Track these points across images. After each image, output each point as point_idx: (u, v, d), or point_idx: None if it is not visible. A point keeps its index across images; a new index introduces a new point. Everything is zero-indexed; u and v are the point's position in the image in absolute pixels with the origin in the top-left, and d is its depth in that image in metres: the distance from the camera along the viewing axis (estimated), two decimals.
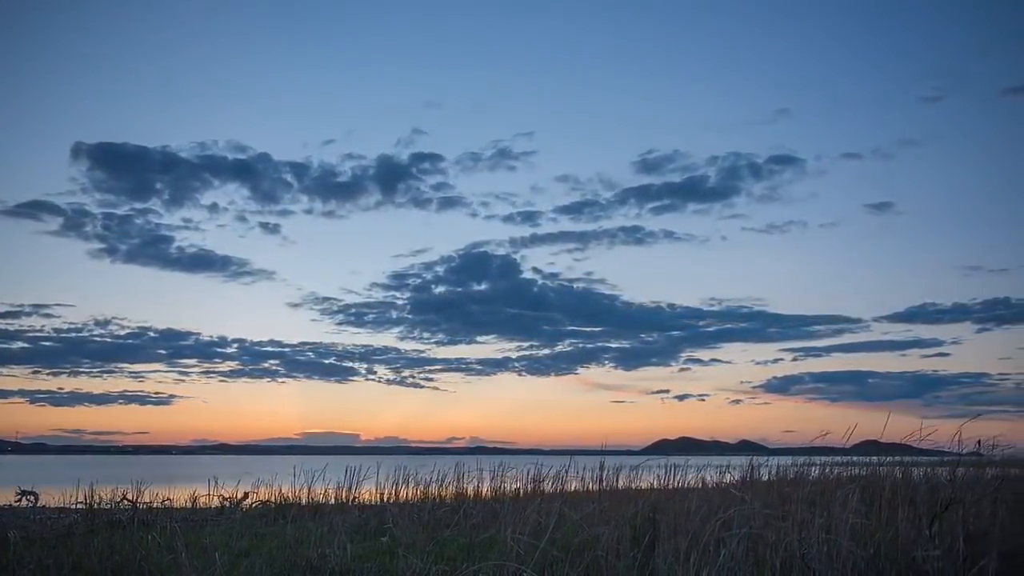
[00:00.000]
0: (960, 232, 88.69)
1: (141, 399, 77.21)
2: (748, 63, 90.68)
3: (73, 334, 74.90)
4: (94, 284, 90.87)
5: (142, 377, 79.89)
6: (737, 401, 78.78)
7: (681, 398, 78.68)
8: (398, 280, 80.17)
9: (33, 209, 73.98)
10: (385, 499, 13.15)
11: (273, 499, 13.38)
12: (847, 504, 6.48)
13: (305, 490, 13.38)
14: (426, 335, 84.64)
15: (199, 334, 77.79)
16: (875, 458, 12.53)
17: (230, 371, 78.72)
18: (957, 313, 73.01)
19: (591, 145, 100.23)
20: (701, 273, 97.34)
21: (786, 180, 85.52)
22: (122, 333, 76.35)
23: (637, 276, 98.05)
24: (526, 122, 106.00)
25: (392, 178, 77.98)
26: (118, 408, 79.03)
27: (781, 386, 76.88)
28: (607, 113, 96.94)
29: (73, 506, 12.54)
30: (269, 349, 79.41)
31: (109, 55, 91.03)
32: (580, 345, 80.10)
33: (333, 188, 77.60)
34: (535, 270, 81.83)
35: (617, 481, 12.02)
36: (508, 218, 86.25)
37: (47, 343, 74.94)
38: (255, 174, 76.64)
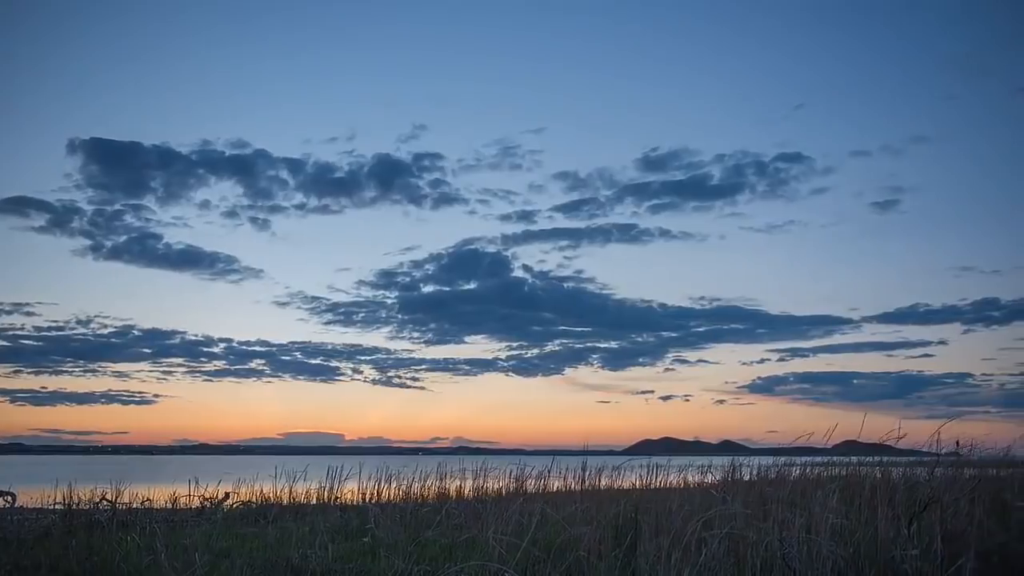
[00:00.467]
0: (961, 231, 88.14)
1: (124, 399, 76.46)
2: (762, 59, 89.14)
3: (55, 332, 74.21)
4: (77, 281, 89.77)
5: (125, 376, 79.19)
6: (721, 401, 78.92)
7: (666, 398, 78.67)
8: (387, 278, 79.42)
9: (19, 205, 72.99)
10: (367, 499, 13.12)
11: (254, 499, 13.31)
12: (827, 504, 6.52)
13: (286, 490, 13.32)
14: (415, 335, 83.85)
15: (184, 333, 77.18)
16: (855, 458, 12.64)
17: (215, 371, 78.13)
18: (948, 313, 73.01)
19: (596, 142, 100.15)
20: (696, 272, 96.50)
21: (792, 178, 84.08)
22: (105, 332, 75.66)
23: (630, 275, 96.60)
24: (531, 119, 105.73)
25: (390, 175, 76.73)
26: (100, 408, 78.43)
27: (765, 386, 77.09)
28: (614, 110, 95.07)
29: (51, 506, 12.42)
30: (256, 348, 78.71)
31: (108, 51, 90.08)
32: (569, 345, 79.65)
33: (329, 185, 76.35)
34: (526, 268, 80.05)
35: (599, 481, 12.06)
36: (505, 216, 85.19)
37: (28, 341, 74.19)
38: (251, 170, 75.39)
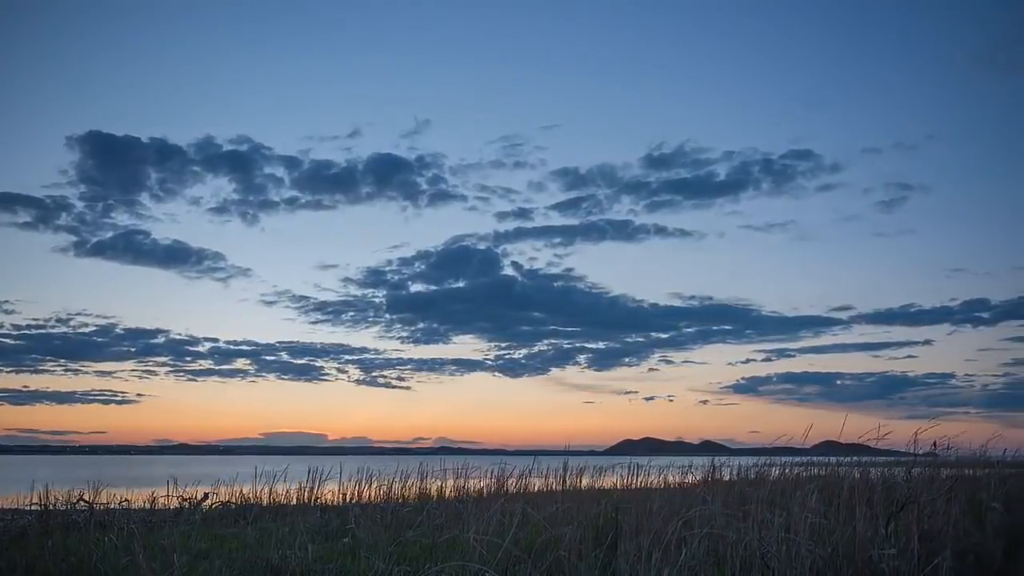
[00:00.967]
0: (961, 232, 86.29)
1: (105, 399, 75.48)
2: (777, 55, 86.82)
3: (35, 331, 73.24)
4: (59, 279, 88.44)
5: (108, 375, 78.35)
6: (704, 402, 79.00)
7: (649, 399, 78.63)
8: (376, 276, 78.37)
9: (6, 202, 71.61)
10: (348, 500, 13.07)
11: (234, 500, 13.23)
12: (806, 504, 6.57)
13: (266, 491, 13.25)
14: (403, 334, 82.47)
15: (168, 331, 76.34)
16: (834, 459, 12.74)
17: (200, 370, 77.26)
18: (938, 314, 72.61)
19: (603, 140, 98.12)
20: (689, 271, 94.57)
21: (799, 175, 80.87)
22: (87, 330, 74.75)
23: (623, 274, 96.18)
24: (537, 117, 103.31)
25: (388, 172, 74.97)
26: (80, 407, 77.22)
27: (749, 387, 77.06)
28: (622, 107, 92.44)
29: (27, 507, 12.28)
30: (242, 348, 77.76)
31: (111, 49, 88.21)
32: (557, 344, 78.58)
33: (325, 181, 74.60)
34: (517, 267, 77.60)
35: (581, 481, 12.08)
36: (501, 214, 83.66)
37: (7, 340, 73.22)
38: (247, 167, 73.47)
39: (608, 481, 12.51)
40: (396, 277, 77.41)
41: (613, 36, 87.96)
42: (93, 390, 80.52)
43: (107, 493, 12.93)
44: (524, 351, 79.48)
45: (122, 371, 77.36)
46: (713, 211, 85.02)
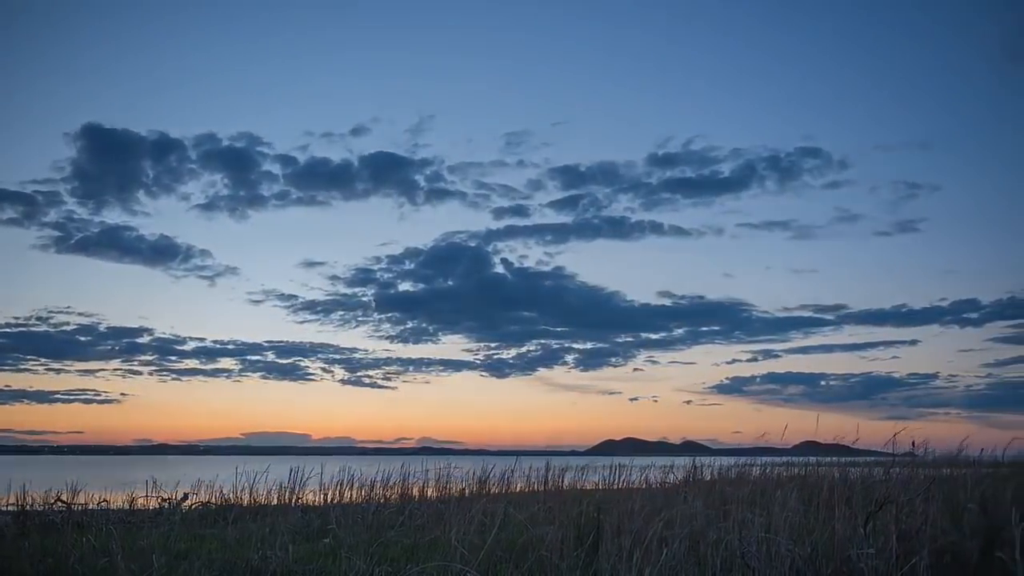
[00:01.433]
0: (963, 232, 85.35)
1: (87, 398, 74.59)
2: (788, 53, 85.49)
3: (16, 329, 72.23)
4: (41, 276, 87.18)
5: (90, 375, 77.59)
6: (688, 402, 79.01)
7: (634, 399, 78.58)
8: (365, 275, 77.38)
9: None
10: (329, 500, 13.02)
11: (214, 500, 13.14)
12: (786, 504, 6.62)
13: (247, 491, 13.17)
14: (391, 334, 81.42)
15: (153, 330, 75.46)
16: (814, 459, 12.83)
17: (184, 369, 76.42)
18: (929, 314, 72.45)
19: (609, 137, 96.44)
20: (683, 270, 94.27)
21: (805, 172, 78.90)
22: (69, 328, 73.83)
23: (616, 272, 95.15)
24: (541, 114, 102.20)
25: (387, 168, 73.98)
26: (61, 407, 76.43)
27: (733, 387, 77.11)
28: (629, 104, 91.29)
29: (4, 508, 12.15)
30: (228, 347, 77.07)
31: (114, 45, 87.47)
32: (546, 344, 77.68)
33: (321, 178, 73.47)
34: (509, 265, 76.38)
35: (562, 481, 12.10)
36: (498, 212, 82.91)
37: None
38: (243, 164, 71.99)
39: (590, 481, 12.53)
40: (386, 276, 76.65)
41: (622, 33, 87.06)
42: (75, 389, 79.64)
43: (85, 494, 12.83)
44: (513, 351, 79.00)
45: (104, 370, 76.62)
46: (713, 209, 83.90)
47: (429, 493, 13.34)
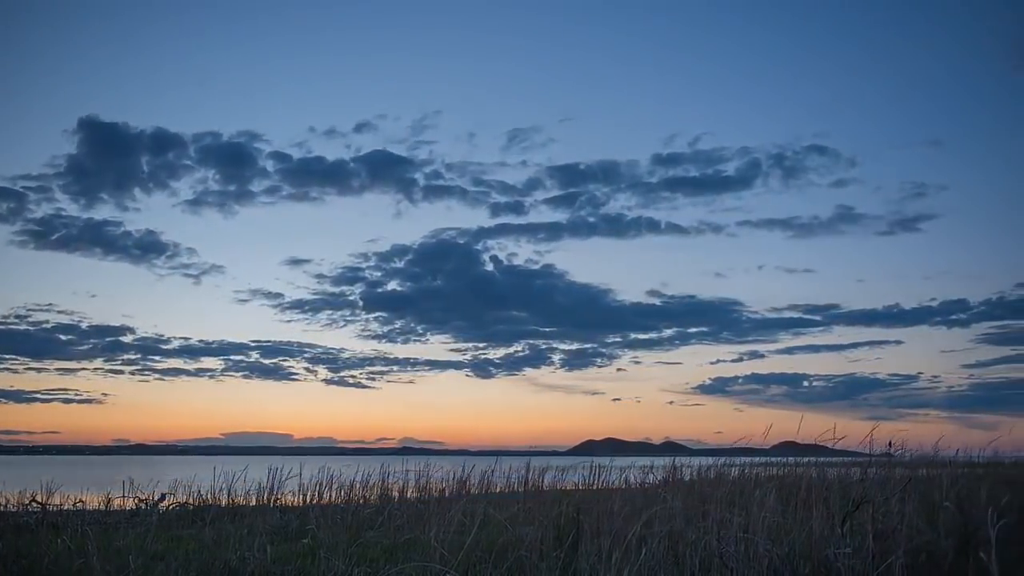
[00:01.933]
0: (967, 232, 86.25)
1: (67, 398, 73.98)
2: (801, 49, 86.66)
3: None
4: (20, 273, 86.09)
5: (71, 374, 76.70)
6: (671, 403, 79.11)
7: (616, 400, 78.59)
8: (353, 273, 77.02)
9: None
10: (308, 501, 12.95)
11: (191, 501, 13.04)
12: (764, 504, 6.65)
13: (225, 491, 13.07)
14: (379, 333, 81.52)
15: (135, 329, 74.88)
16: (792, 459, 12.93)
17: (167, 369, 75.84)
18: (920, 314, 72.79)
19: (616, 135, 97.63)
20: (678, 269, 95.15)
21: (812, 171, 79.73)
22: (49, 327, 72.93)
23: (609, 271, 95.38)
24: (548, 111, 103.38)
25: (385, 166, 75.03)
26: (40, 407, 75.65)
27: (716, 387, 77.51)
28: (637, 102, 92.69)
29: None
30: (212, 346, 76.59)
31: (115, 39, 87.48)
32: (534, 345, 77.73)
33: (316, 175, 74.38)
34: (499, 263, 78.05)
35: (542, 482, 12.10)
36: (494, 209, 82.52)
37: None
38: (241, 161, 73.22)
39: (570, 482, 12.54)
40: (375, 274, 76.27)
41: (631, 30, 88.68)
42: (54, 389, 78.88)
43: (61, 494, 12.69)
44: (502, 351, 79.00)
45: (85, 370, 75.88)
46: (713, 207, 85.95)
47: (409, 493, 13.30)
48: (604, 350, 79.41)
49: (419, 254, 75.17)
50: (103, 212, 74.76)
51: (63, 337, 73.71)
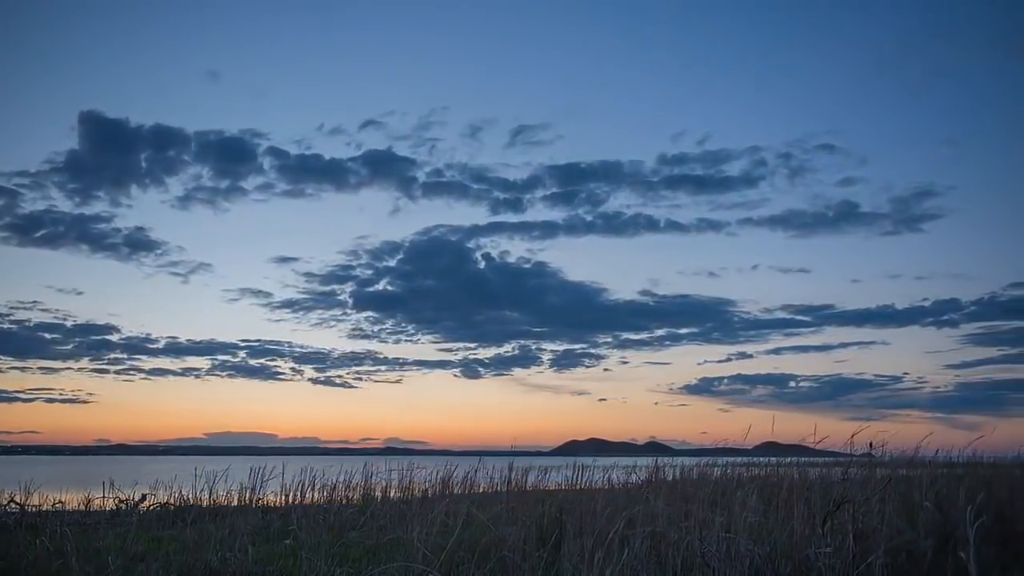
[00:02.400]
0: (970, 232, 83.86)
1: (50, 397, 73.04)
2: (814, 47, 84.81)
3: None
4: (5, 271, 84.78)
5: (54, 373, 75.71)
6: (657, 403, 78.96)
7: (602, 400, 78.40)
8: (344, 271, 75.92)
9: None
10: (290, 501, 12.89)
11: (172, 501, 12.95)
12: (746, 504, 6.68)
13: (207, 492, 12.99)
14: (369, 333, 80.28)
15: (120, 329, 74.04)
16: (774, 459, 13.00)
17: (153, 369, 75.07)
18: (913, 315, 72.04)
19: (622, 133, 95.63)
20: (673, 268, 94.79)
21: (819, 170, 78.26)
22: (32, 325, 72.01)
23: (603, 269, 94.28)
24: (552, 109, 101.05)
25: (384, 164, 73.95)
26: (21, 406, 74.77)
27: (703, 388, 77.20)
28: (644, 100, 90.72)
29: None
30: (199, 346, 75.88)
31: (116, 37, 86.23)
32: (524, 344, 76.64)
33: (313, 172, 73.42)
34: (492, 261, 76.81)
35: (526, 482, 12.10)
36: (493, 207, 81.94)
37: None
38: (239, 159, 72.07)
39: (553, 482, 12.55)
40: (366, 272, 75.29)
41: (640, 28, 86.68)
42: (38, 388, 77.89)
43: (39, 494, 12.57)
44: (492, 351, 78.35)
45: (70, 369, 75.01)
46: (714, 206, 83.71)
47: (392, 493, 13.27)
48: (593, 350, 78.76)
49: (410, 252, 74.54)
50: (96, 208, 73.96)
51: (47, 336, 72.75)
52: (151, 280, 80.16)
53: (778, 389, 74.20)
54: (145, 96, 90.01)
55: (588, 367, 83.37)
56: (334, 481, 13.26)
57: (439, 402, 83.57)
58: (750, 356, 76.97)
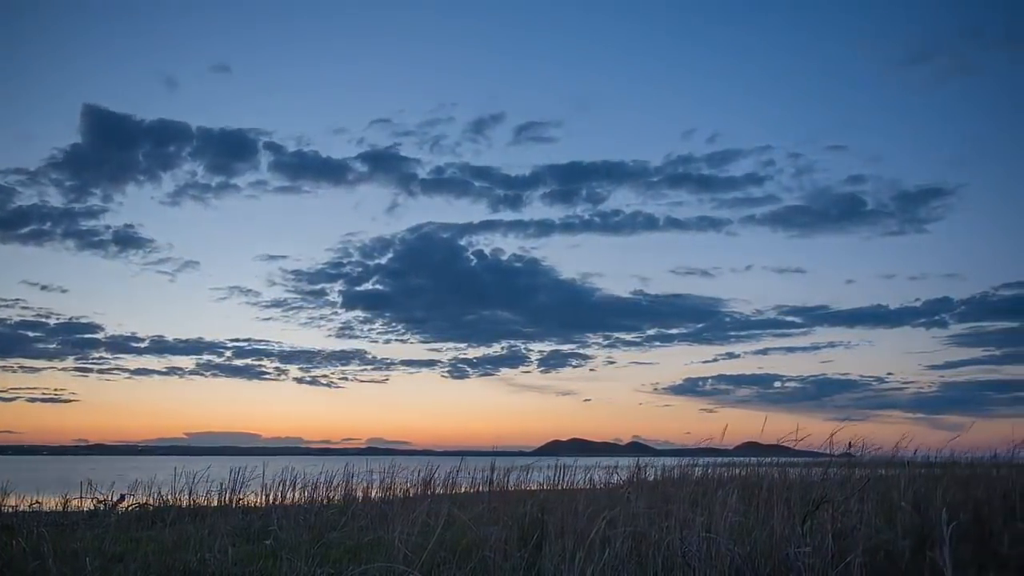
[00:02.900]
0: (970, 233, 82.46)
1: (30, 397, 72.08)
2: (828, 46, 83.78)
3: None
4: None
5: (36, 372, 74.87)
6: (641, 403, 78.84)
7: (587, 400, 78.20)
8: (335, 269, 75.08)
9: None
10: (270, 501, 12.83)
11: (151, 502, 12.85)
12: (727, 503, 6.71)
13: (186, 492, 12.90)
14: (358, 333, 79.44)
15: (105, 327, 73.13)
16: (755, 459, 13.07)
17: (138, 368, 74.25)
18: (905, 315, 71.25)
19: (627, 132, 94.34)
20: (669, 266, 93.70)
21: (826, 169, 79.23)
22: (13, 323, 71.04)
23: (599, 268, 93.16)
24: (555, 108, 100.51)
25: (384, 163, 73.52)
26: (2, 405, 73.81)
27: (687, 388, 77.01)
28: (650, 99, 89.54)
29: None
30: (185, 345, 74.97)
31: (119, 36, 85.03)
32: (513, 344, 75.97)
33: (312, 169, 72.62)
34: (482, 258, 76.15)
35: (507, 482, 12.09)
36: (492, 206, 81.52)
37: None
38: (238, 157, 71.71)
39: (535, 482, 12.56)
40: (356, 270, 74.44)
41: (647, 28, 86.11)
42: (19, 388, 76.90)
43: (16, 495, 12.44)
44: (480, 351, 77.84)
45: (52, 368, 74.05)
46: (715, 205, 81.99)
47: (373, 494, 13.23)
48: (582, 350, 77.92)
49: (402, 250, 73.78)
50: (87, 205, 72.51)
51: (30, 334, 71.74)
52: (138, 278, 79.03)
53: (762, 389, 74.18)
54: (151, 91, 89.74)
55: (575, 367, 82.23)
56: (315, 481, 13.20)
57: (423, 402, 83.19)
58: (737, 356, 76.72)
